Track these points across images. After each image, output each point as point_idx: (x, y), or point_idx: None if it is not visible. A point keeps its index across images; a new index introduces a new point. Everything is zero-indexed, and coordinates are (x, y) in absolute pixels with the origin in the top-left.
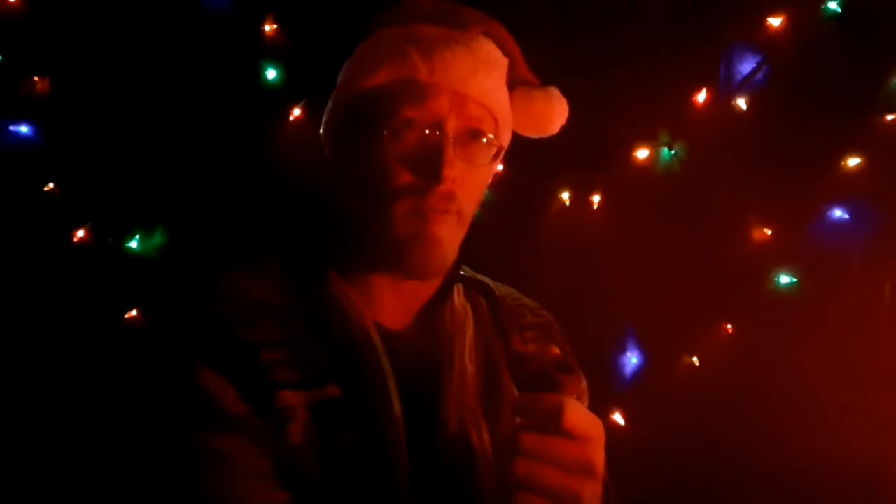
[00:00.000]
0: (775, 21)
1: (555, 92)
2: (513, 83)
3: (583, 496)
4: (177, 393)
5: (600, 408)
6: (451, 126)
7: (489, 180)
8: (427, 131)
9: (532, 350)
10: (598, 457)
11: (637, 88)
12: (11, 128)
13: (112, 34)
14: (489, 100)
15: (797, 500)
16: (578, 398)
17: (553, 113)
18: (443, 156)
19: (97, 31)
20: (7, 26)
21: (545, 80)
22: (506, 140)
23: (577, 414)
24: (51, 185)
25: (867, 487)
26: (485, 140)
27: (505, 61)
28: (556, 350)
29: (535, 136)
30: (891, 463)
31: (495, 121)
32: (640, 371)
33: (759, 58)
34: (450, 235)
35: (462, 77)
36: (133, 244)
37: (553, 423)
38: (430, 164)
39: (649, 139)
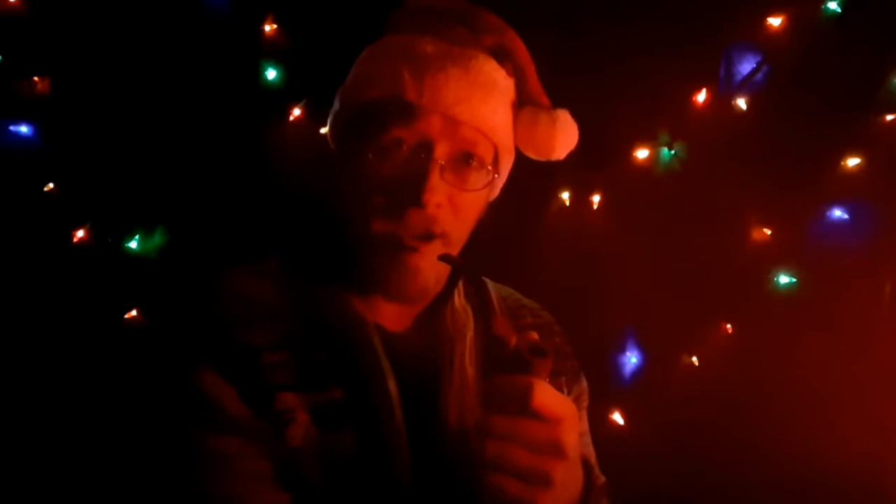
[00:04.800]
0: (775, 21)
1: (562, 116)
2: (522, 101)
3: (553, 477)
4: (177, 394)
5: (600, 407)
6: (442, 150)
7: (489, 199)
8: (415, 153)
9: (510, 333)
10: (569, 438)
11: (637, 88)
12: (11, 128)
13: (112, 34)
14: (483, 124)
15: (796, 499)
16: (578, 397)
17: (553, 139)
18: (426, 181)
19: (97, 32)
20: (7, 26)
21: (545, 80)
22: (506, 164)
23: (546, 395)
24: (51, 185)
25: (867, 487)
26: (477, 165)
27: (508, 83)
28: (535, 335)
29: (536, 158)
30: (890, 463)
31: (494, 145)
32: (639, 371)
33: (759, 58)
34: (431, 263)
35: (454, 101)
36: (133, 244)
37: (522, 405)
38: (412, 188)
39: (649, 139)
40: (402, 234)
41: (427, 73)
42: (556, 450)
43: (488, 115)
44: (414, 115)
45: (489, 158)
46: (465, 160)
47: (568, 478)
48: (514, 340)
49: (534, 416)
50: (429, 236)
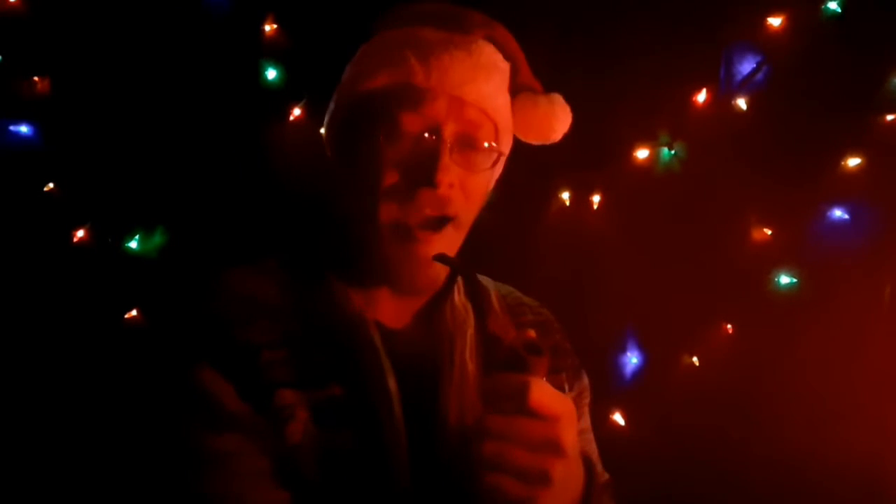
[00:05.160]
0: (775, 21)
1: (558, 99)
2: (515, 88)
3: (552, 475)
4: (177, 392)
5: (601, 408)
6: (449, 131)
7: (490, 185)
8: (424, 136)
9: (507, 331)
10: (567, 435)
11: (637, 88)
12: (11, 128)
13: (112, 34)
14: (488, 105)
15: (796, 499)
16: (580, 394)
17: (554, 120)
18: (438, 161)
19: (97, 31)
20: (7, 26)
21: (545, 79)
22: (506, 146)
23: (543, 393)
24: (51, 185)
25: (867, 487)
26: (484, 145)
27: (506, 66)
28: (531, 333)
29: (536, 142)
30: (890, 463)
31: (495, 126)
32: (640, 371)
33: (759, 58)
34: (443, 250)
35: (459, 82)
36: (133, 244)
37: (518, 403)
38: (424, 169)
39: (649, 139)
40: (411, 222)
41: (432, 55)
42: (554, 448)
43: (492, 94)
44: (422, 98)
45: (492, 139)
46: (470, 142)
47: (567, 476)
48: (509, 338)
49: (531, 414)
50: (441, 220)
